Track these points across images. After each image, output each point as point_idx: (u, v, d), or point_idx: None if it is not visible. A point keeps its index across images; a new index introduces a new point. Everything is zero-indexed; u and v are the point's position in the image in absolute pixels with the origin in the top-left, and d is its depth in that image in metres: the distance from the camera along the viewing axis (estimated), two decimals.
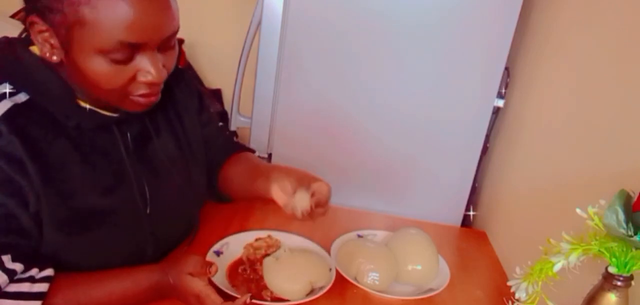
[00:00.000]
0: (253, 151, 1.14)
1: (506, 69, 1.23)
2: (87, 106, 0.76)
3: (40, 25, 0.68)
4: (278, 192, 0.86)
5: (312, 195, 0.84)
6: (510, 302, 0.74)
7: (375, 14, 1.19)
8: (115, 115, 0.79)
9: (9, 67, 0.72)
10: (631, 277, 0.67)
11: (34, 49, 0.75)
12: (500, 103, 1.27)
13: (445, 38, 1.19)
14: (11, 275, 0.68)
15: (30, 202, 0.69)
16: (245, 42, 1.30)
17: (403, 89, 1.25)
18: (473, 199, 1.39)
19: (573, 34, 1.08)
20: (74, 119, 0.74)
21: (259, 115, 1.30)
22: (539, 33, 1.23)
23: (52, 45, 0.69)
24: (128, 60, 0.69)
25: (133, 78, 0.71)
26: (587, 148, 0.94)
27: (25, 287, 0.69)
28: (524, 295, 0.72)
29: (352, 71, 1.24)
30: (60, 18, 0.66)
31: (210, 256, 0.96)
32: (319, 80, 1.25)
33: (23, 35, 0.77)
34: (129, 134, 0.82)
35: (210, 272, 0.79)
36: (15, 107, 0.69)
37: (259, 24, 1.23)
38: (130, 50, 0.69)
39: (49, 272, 0.72)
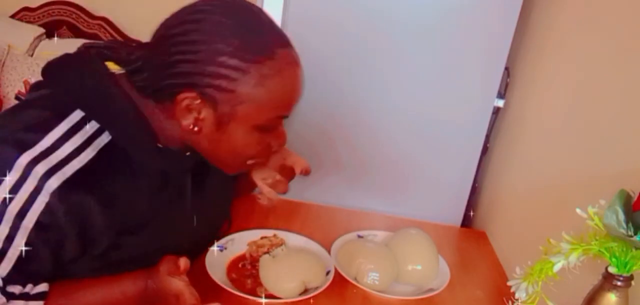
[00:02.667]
0: None
1: (506, 69, 1.23)
2: (162, 146, 0.76)
3: (195, 101, 0.68)
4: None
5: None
6: (510, 302, 0.74)
7: (375, 14, 1.18)
8: (187, 154, 0.80)
9: (99, 104, 0.70)
10: (631, 277, 0.67)
11: (112, 66, 0.74)
12: (500, 103, 1.27)
13: (445, 38, 1.19)
14: (9, 297, 0.67)
15: (66, 252, 0.69)
16: None
17: (403, 88, 1.25)
18: (473, 199, 1.39)
19: (573, 34, 1.08)
20: (153, 163, 0.74)
21: None
22: (539, 33, 1.23)
23: (199, 119, 0.70)
24: (272, 131, 0.75)
25: (268, 145, 0.76)
26: (587, 148, 0.94)
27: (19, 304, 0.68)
28: (524, 295, 0.72)
29: (351, 71, 1.24)
30: (228, 96, 0.68)
31: (213, 250, 0.97)
32: (319, 80, 1.25)
33: (99, 52, 0.76)
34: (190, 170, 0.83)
35: (180, 267, 0.76)
36: (97, 157, 0.68)
37: None
38: (278, 122, 0.74)
39: (43, 287, 0.70)
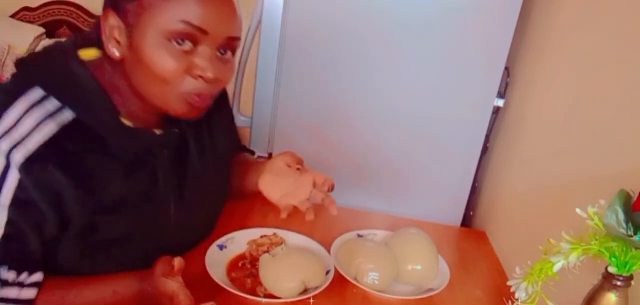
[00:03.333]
0: (253, 153, 1.14)
1: (506, 69, 1.23)
2: (129, 124, 0.76)
3: (113, 20, 0.71)
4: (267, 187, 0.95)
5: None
6: (510, 302, 0.74)
7: (376, 14, 1.19)
8: (157, 133, 0.80)
9: (59, 81, 0.72)
10: (631, 277, 0.67)
11: (84, 54, 0.75)
12: (500, 103, 1.27)
13: (445, 38, 1.19)
14: (3, 284, 0.68)
15: (47, 229, 0.69)
16: (245, 42, 1.30)
17: (403, 88, 1.25)
18: (473, 199, 1.39)
19: (573, 34, 1.08)
20: (121, 141, 0.75)
21: (259, 115, 1.30)
22: (539, 33, 1.23)
23: (117, 41, 0.71)
24: (187, 51, 0.71)
25: (190, 69, 0.72)
26: (587, 148, 0.94)
27: (13, 293, 0.69)
28: (524, 295, 0.73)
29: (352, 71, 1.24)
30: (133, 5, 0.69)
31: (213, 250, 0.97)
32: (319, 80, 1.25)
33: (74, 39, 0.78)
34: (166, 152, 0.83)
35: (174, 266, 0.76)
36: (61, 132, 0.68)
37: (259, 23, 1.23)
38: (192, 37, 0.70)
39: (38, 277, 0.71)
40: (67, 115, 0.70)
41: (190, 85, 0.73)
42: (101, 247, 0.76)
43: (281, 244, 1.03)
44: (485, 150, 1.33)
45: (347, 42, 1.22)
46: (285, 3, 1.19)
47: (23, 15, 2.51)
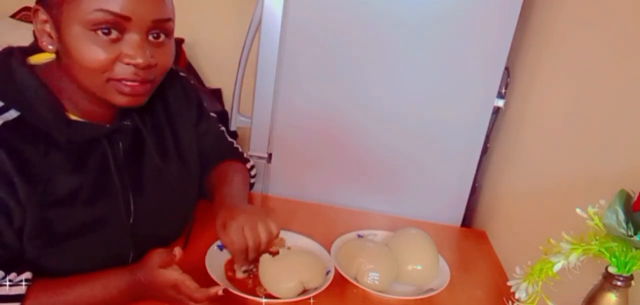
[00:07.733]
0: (247, 160, 1.13)
1: (506, 69, 1.23)
2: (77, 119, 0.76)
3: (42, 15, 0.72)
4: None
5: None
6: (510, 302, 0.74)
7: (375, 15, 1.19)
8: (106, 125, 0.79)
9: (1, 84, 0.73)
10: (631, 277, 0.67)
11: (34, 59, 0.76)
12: (500, 103, 1.27)
13: (445, 38, 1.19)
14: None
15: (14, 218, 0.70)
16: (245, 42, 1.30)
17: (403, 88, 1.25)
18: (473, 199, 1.39)
19: (573, 34, 1.08)
20: (64, 134, 0.75)
21: (259, 115, 1.30)
22: (539, 33, 1.23)
23: (49, 35, 0.72)
24: (115, 39, 0.70)
25: (117, 58, 0.71)
26: (587, 148, 0.94)
27: (4, 290, 0.69)
28: (524, 295, 0.73)
29: (351, 71, 1.24)
30: None
31: (213, 250, 0.97)
32: (319, 80, 1.25)
33: (29, 45, 0.79)
34: (121, 144, 0.82)
35: (175, 256, 0.77)
36: (4, 125, 0.70)
37: (259, 24, 1.23)
38: (116, 25, 0.69)
39: (27, 275, 0.72)
40: (12, 113, 0.71)
41: (121, 72, 0.72)
42: (59, 240, 0.76)
43: (281, 243, 1.03)
44: (485, 150, 1.33)
45: (346, 42, 1.22)
46: (285, 3, 1.19)
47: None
